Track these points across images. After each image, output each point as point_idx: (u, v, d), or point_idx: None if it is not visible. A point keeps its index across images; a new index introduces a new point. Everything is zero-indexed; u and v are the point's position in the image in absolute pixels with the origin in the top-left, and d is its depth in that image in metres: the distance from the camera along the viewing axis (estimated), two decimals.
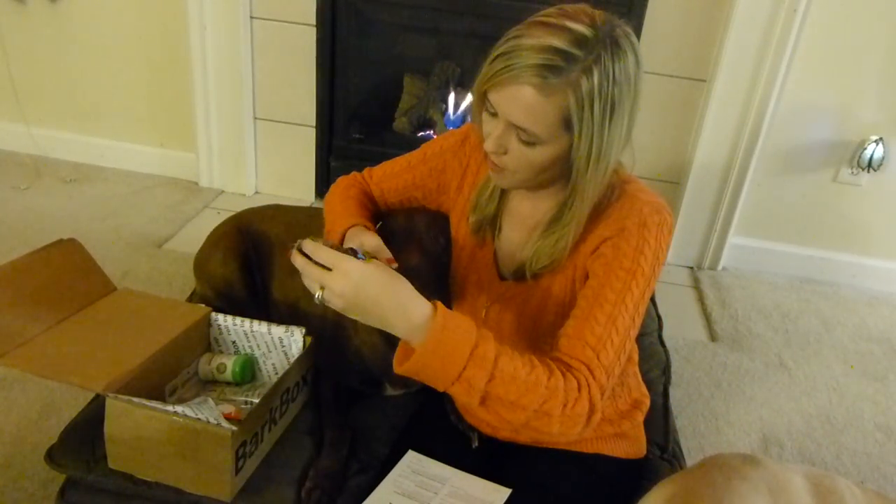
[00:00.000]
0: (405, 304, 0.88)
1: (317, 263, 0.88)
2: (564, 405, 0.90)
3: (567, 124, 0.91)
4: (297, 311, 1.52)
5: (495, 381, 0.89)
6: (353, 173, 1.31)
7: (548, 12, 0.92)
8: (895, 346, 2.21)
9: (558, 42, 0.87)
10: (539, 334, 1.09)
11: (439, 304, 0.90)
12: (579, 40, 0.88)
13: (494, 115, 0.95)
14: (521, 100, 0.90)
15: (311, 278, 0.88)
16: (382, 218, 1.28)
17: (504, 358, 0.90)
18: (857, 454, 1.74)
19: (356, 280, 0.86)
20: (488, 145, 0.97)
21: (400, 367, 0.90)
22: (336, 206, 1.24)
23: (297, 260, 0.89)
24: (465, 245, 1.18)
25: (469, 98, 2.63)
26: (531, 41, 0.88)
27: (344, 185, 1.28)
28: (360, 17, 2.42)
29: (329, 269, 0.87)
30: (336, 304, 0.88)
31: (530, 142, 0.94)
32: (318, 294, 0.88)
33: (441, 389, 0.91)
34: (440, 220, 1.23)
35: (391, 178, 1.26)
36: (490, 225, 1.14)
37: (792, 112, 2.30)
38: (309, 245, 0.89)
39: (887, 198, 2.42)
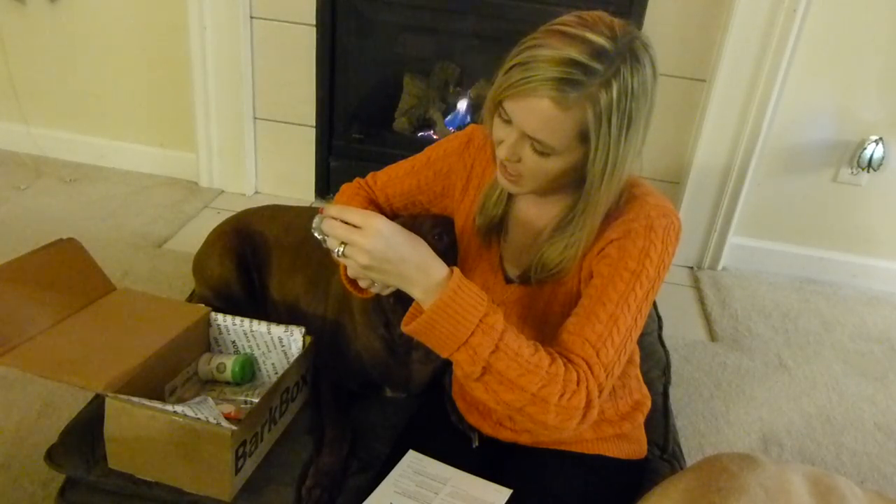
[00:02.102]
0: (427, 263, 0.90)
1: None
2: (562, 395, 0.90)
3: (583, 137, 0.91)
4: (296, 311, 1.52)
5: (499, 353, 0.89)
6: (357, 179, 1.31)
7: (566, 20, 0.90)
8: (895, 346, 2.21)
9: (577, 54, 0.86)
10: (545, 337, 1.09)
11: (455, 268, 0.91)
12: (599, 53, 0.87)
13: (508, 122, 0.94)
14: (538, 112, 0.89)
15: (337, 235, 0.90)
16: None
17: (510, 334, 0.91)
18: (857, 454, 1.74)
19: (387, 236, 0.88)
20: (501, 152, 0.97)
21: (408, 326, 0.91)
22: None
23: (325, 221, 0.91)
24: (471, 247, 1.18)
25: (468, 99, 2.63)
26: (549, 52, 0.87)
27: (349, 194, 1.28)
28: (360, 17, 2.42)
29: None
30: (360, 259, 0.89)
31: (545, 152, 0.93)
32: (339, 248, 0.90)
33: (446, 355, 0.91)
34: (444, 220, 1.23)
35: (395, 182, 1.26)
36: (496, 228, 1.14)
37: (792, 112, 2.30)
38: (334, 209, 0.91)
39: (887, 198, 2.42)
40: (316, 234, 0.94)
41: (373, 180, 1.29)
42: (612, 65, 0.87)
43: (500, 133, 0.97)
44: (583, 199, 0.98)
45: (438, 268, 0.91)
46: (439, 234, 1.20)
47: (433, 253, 0.92)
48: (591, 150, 0.92)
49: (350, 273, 1.01)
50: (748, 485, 0.91)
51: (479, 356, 0.89)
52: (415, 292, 0.91)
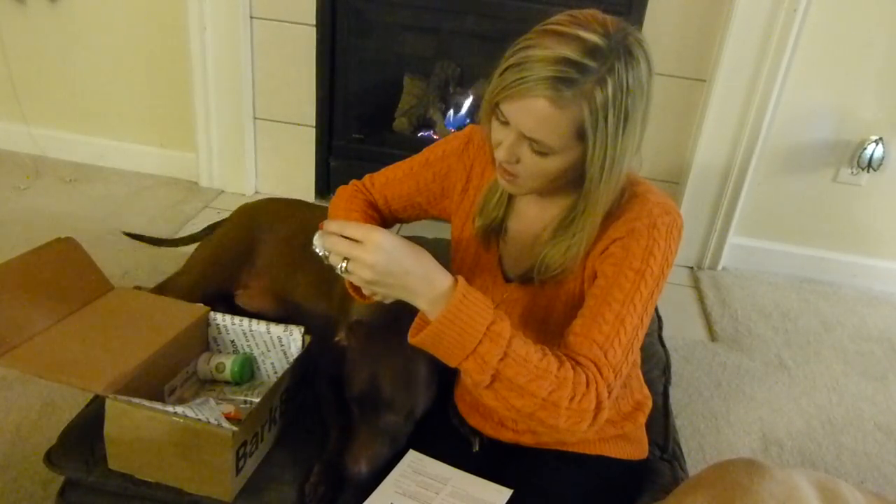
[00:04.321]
0: (431, 273, 0.90)
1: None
2: (572, 398, 0.90)
3: (581, 135, 0.91)
4: (298, 310, 1.52)
5: (507, 360, 0.89)
6: (353, 182, 1.29)
7: (558, 20, 0.90)
8: (895, 346, 2.21)
9: (571, 53, 0.86)
10: (547, 336, 1.09)
11: (460, 277, 0.91)
12: (592, 50, 0.87)
13: (505, 123, 0.94)
14: (534, 112, 0.89)
15: (339, 251, 0.89)
16: (387, 226, 1.28)
17: (518, 340, 0.91)
18: (857, 454, 1.74)
19: (389, 249, 0.87)
20: (500, 154, 0.97)
21: (415, 337, 0.91)
22: (339, 219, 1.23)
23: (326, 238, 0.90)
24: (470, 247, 1.18)
25: (469, 98, 2.63)
26: (543, 52, 0.87)
27: (346, 197, 1.26)
28: (360, 17, 2.42)
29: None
30: (364, 274, 0.88)
31: (543, 152, 0.93)
32: (342, 265, 0.89)
33: (454, 364, 0.91)
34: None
35: (394, 184, 1.25)
36: (496, 229, 1.14)
37: (792, 112, 2.30)
38: (334, 224, 0.91)
39: (887, 198, 2.42)
40: (318, 251, 0.93)
41: (370, 182, 1.28)
42: (607, 62, 0.87)
43: (497, 135, 0.97)
44: (582, 199, 0.98)
45: (442, 278, 0.90)
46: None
47: (437, 263, 0.91)
48: (588, 148, 0.91)
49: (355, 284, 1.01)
50: (762, 500, 0.90)
51: (488, 364, 0.89)
52: (420, 303, 0.90)
